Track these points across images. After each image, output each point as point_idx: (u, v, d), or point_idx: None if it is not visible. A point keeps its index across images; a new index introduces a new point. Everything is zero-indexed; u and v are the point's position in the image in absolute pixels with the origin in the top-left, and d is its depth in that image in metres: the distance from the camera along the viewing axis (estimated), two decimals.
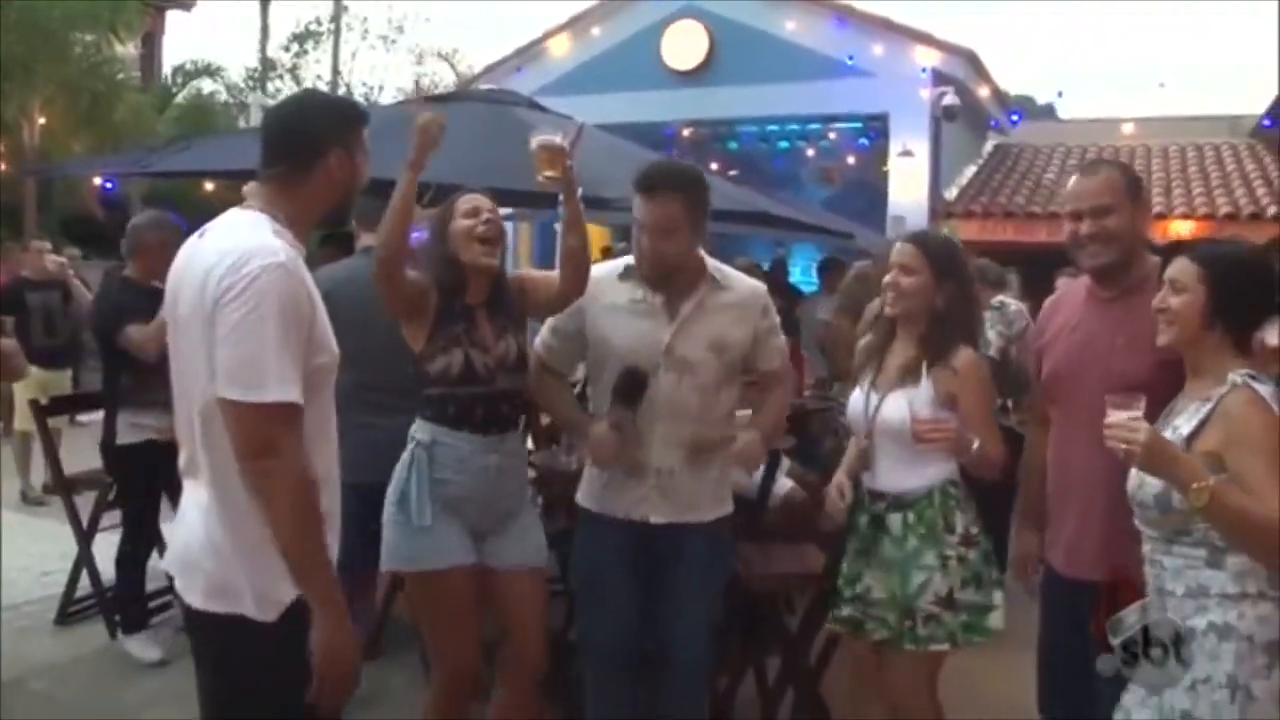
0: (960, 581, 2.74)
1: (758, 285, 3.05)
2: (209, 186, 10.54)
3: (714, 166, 12.62)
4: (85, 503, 4.85)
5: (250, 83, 21.19)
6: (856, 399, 2.94)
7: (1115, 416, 2.01)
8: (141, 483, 4.37)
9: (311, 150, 2.12)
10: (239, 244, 1.98)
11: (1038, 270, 7.16)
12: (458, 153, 4.26)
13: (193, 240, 2.12)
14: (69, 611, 4.77)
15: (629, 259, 2.94)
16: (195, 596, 2.06)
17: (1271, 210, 11.13)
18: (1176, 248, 2.30)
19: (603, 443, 2.76)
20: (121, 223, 15.99)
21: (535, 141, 2.67)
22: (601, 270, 2.96)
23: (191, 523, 2.08)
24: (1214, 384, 2.11)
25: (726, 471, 3.01)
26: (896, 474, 2.82)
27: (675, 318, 2.85)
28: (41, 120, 12.82)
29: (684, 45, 13.37)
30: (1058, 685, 2.73)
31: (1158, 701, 2.12)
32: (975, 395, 2.78)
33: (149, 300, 4.14)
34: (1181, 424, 2.12)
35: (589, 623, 3.06)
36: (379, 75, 36.63)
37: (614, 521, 2.91)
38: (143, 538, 4.49)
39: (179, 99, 16.91)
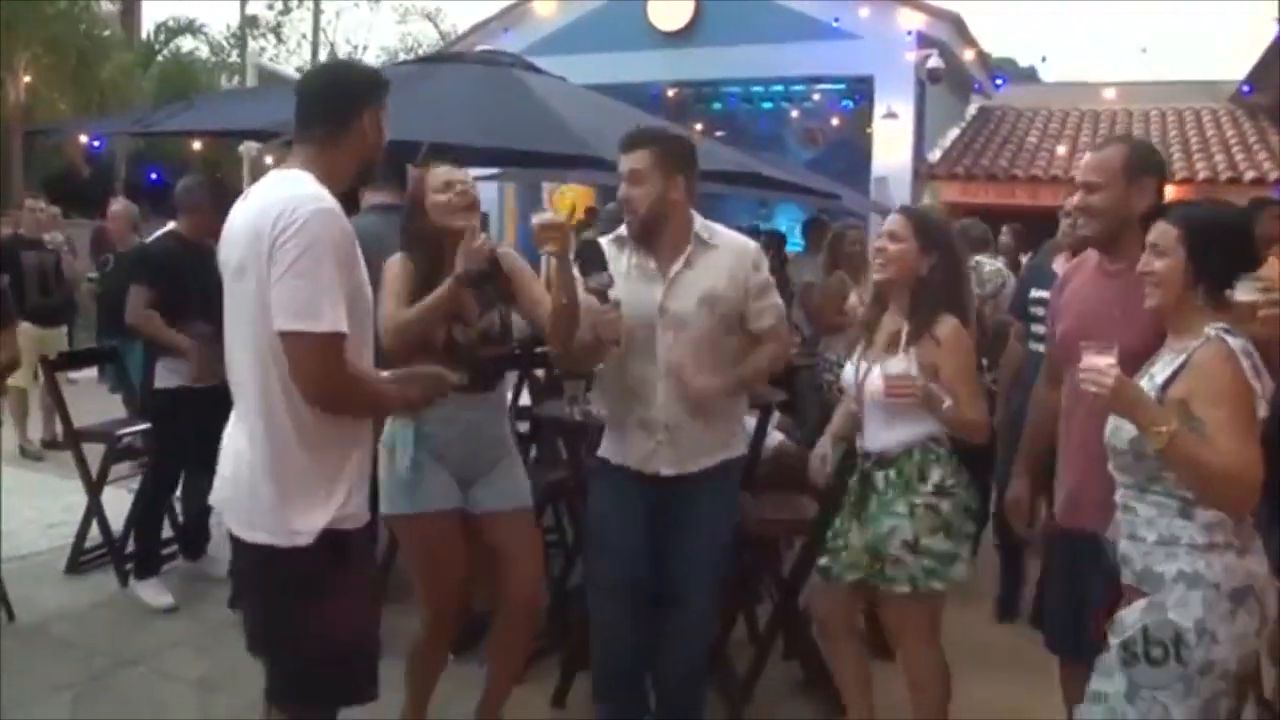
0: (928, 528, 2.88)
1: (748, 241, 3.15)
2: (196, 145, 10.55)
3: (699, 127, 12.71)
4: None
5: (231, 40, 21.03)
6: (849, 368, 3.09)
7: (1088, 360, 2.14)
8: (174, 426, 4.52)
9: (347, 112, 2.27)
10: (288, 194, 2.15)
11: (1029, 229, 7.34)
12: (451, 113, 4.39)
13: (239, 202, 2.28)
14: (80, 561, 4.89)
15: (621, 229, 3.07)
16: (237, 526, 2.26)
17: (1249, 175, 11.33)
18: (1158, 212, 2.41)
19: (605, 318, 2.79)
20: (105, 180, 15.90)
21: (537, 220, 2.78)
22: (605, 249, 3.02)
23: (235, 458, 2.28)
24: (1192, 338, 2.21)
25: (735, 418, 3.16)
26: (882, 435, 2.96)
27: (666, 276, 2.98)
28: (27, 78, 12.74)
29: (670, 6, 13.40)
30: (1059, 618, 2.85)
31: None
32: (955, 363, 2.90)
33: (197, 257, 4.36)
34: (1157, 372, 2.23)
35: (598, 565, 3.21)
36: (362, 35, 36.29)
37: (627, 472, 3.05)
38: (167, 482, 4.66)
39: (160, 57, 16.82)
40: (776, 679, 3.83)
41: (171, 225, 4.73)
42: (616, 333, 2.80)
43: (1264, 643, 2.31)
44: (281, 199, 2.14)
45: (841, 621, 3.18)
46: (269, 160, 6.20)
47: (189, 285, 4.44)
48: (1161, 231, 2.29)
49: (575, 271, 2.83)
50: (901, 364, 2.87)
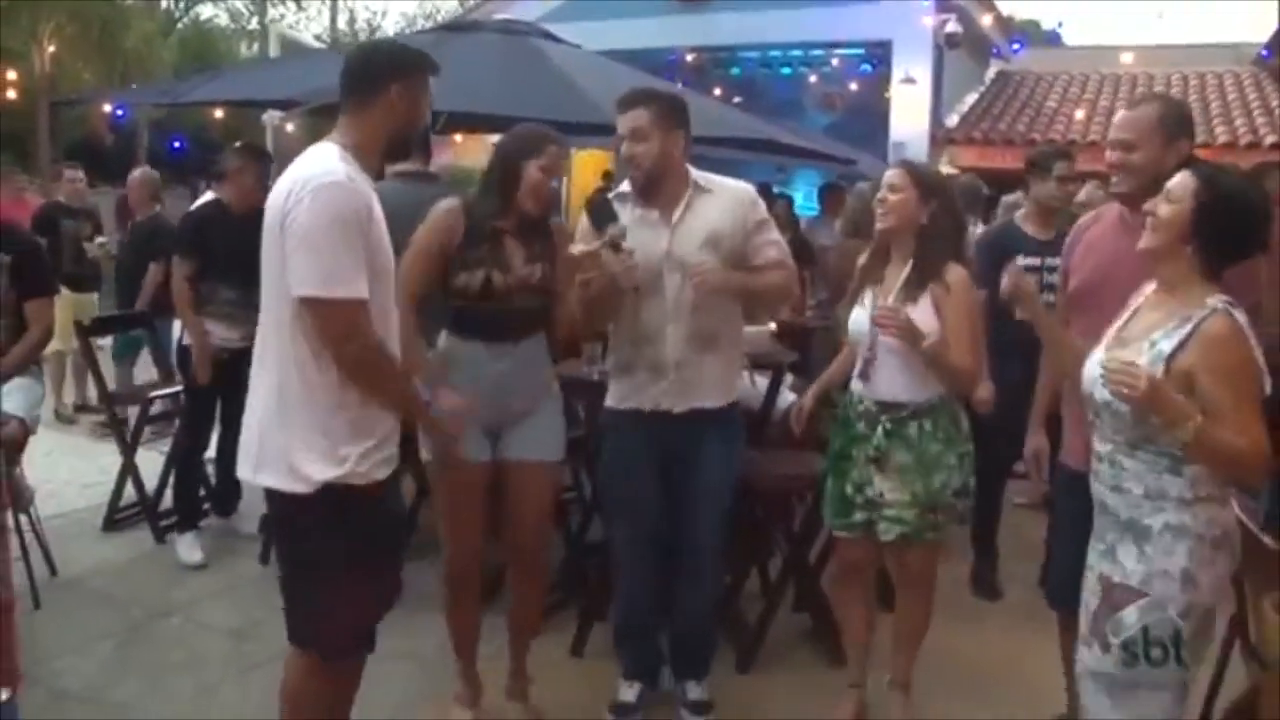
0: (970, 473, 3.10)
1: (744, 185, 3.27)
2: (219, 114, 10.66)
3: (717, 92, 12.72)
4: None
5: (251, 8, 21.11)
6: (858, 316, 3.18)
7: (1112, 358, 2.20)
8: (205, 385, 4.69)
9: (373, 83, 2.42)
10: (303, 172, 2.33)
11: None
12: (472, 81, 4.49)
13: (283, 177, 2.42)
14: (115, 519, 5.08)
15: (624, 185, 3.20)
16: (246, 468, 2.46)
17: (1270, 139, 11.27)
18: (1186, 163, 2.42)
19: (623, 265, 2.93)
20: (128, 148, 16.06)
21: (575, 250, 2.98)
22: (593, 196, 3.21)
23: (251, 407, 2.46)
24: (1187, 303, 2.24)
25: (734, 361, 3.32)
26: (909, 386, 3.06)
27: (670, 224, 3.11)
28: (51, 48, 12.88)
29: None
30: (1064, 576, 2.91)
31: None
32: (958, 310, 3.01)
33: (235, 223, 4.54)
34: (1160, 339, 2.24)
35: (616, 517, 3.37)
36: (381, 2, 36.25)
37: (639, 416, 3.18)
38: (200, 439, 4.85)
39: (179, 25, 16.92)
40: (786, 629, 3.97)
41: (209, 195, 4.89)
42: (635, 279, 2.96)
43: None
44: (298, 175, 2.32)
45: (862, 573, 3.33)
46: (290, 128, 6.29)
47: (222, 252, 4.60)
48: (1180, 180, 2.29)
49: (588, 223, 3.01)
50: (920, 313, 2.98)
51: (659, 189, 3.10)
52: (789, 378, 4.55)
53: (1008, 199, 6.40)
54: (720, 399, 3.22)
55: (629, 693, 3.39)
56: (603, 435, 3.39)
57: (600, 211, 3.00)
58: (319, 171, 2.30)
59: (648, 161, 3.04)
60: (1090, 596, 2.42)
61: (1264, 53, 12.27)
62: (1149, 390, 2.10)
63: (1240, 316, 2.20)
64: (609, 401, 3.31)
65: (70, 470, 5.89)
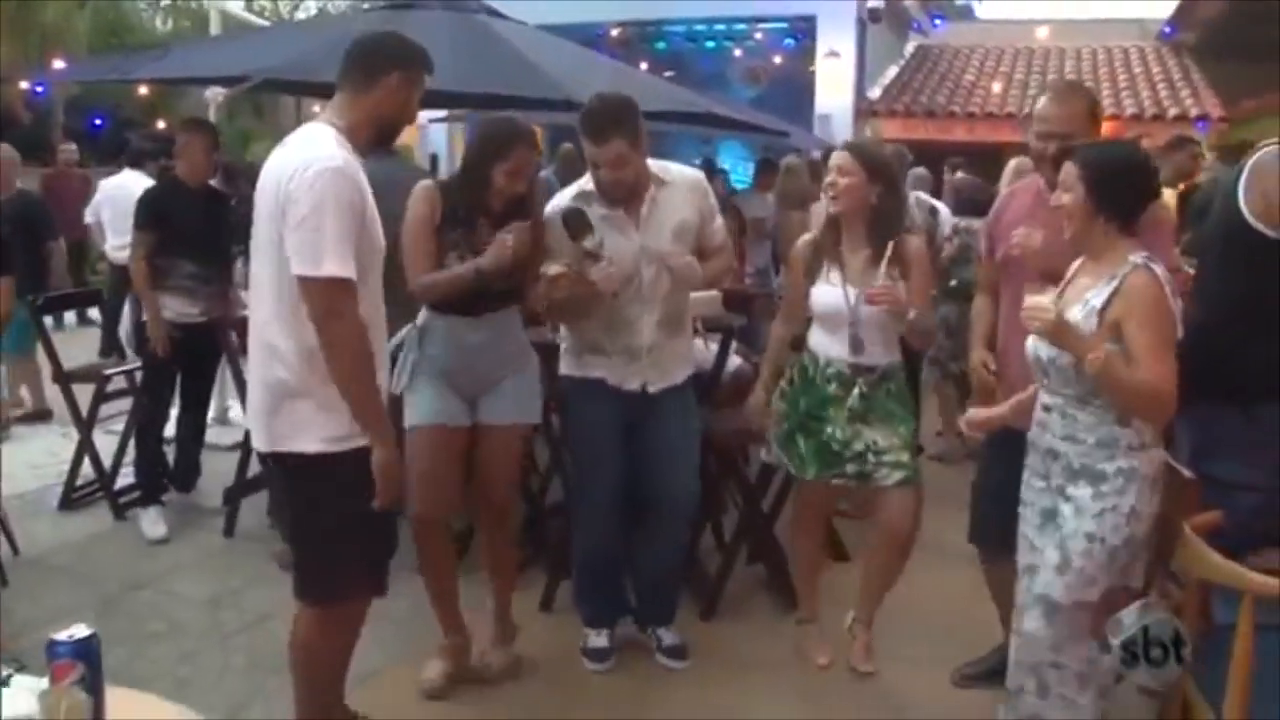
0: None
1: (696, 173, 3.51)
2: (143, 90, 10.51)
3: (644, 66, 12.84)
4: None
5: None
6: (830, 294, 3.36)
7: (1031, 299, 2.46)
8: (163, 359, 4.75)
9: (377, 67, 2.55)
10: (304, 154, 2.45)
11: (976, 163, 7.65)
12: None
13: (276, 151, 2.56)
14: (72, 497, 5.10)
15: (582, 183, 3.33)
16: (254, 434, 2.61)
17: (1173, 111, 11.78)
18: (1066, 154, 2.66)
19: (605, 274, 3.13)
20: (45, 126, 15.62)
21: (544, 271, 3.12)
22: (564, 205, 3.31)
23: (251, 374, 2.60)
24: (1113, 264, 2.50)
25: (690, 338, 3.57)
26: (883, 352, 3.35)
27: (639, 220, 3.28)
28: None
29: None
30: (989, 517, 3.19)
31: (1059, 532, 2.56)
32: (920, 276, 3.32)
33: (191, 198, 4.69)
34: (1092, 297, 2.51)
35: (584, 476, 3.54)
36: None
37: (608, 388, 3.37)
38: (160, 414, 4.90)
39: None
40: (742, 580, 4.20)
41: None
42: (615, 285, 3.16)
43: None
44: (298, 157, 2.44)
45: (821, 519, 3.62)
46: (218, 100, 6.32)
47: (181, 227, 4.66)
48: (1067, 170, 2.56)
49: (563, 232, 3.17)
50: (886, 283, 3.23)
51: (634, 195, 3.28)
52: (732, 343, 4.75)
53: (916, 171, 6.69)
54: (685, 373, 3.48)
55: (600, 638, 3.59)
56: (568, 396, 3.55)
57: (575, 223, 3.16)
58: (322, 155, 2.42)
59: (630, 182, 3.23)
60: (1027, 528, 2.68)
61: (1166, 29, 12.80)
62: (1056, 321, 2.39)
63: (1159, 269, 2.46)
64: (568, 370, 3.47)
65: (15, 453, 5.85)
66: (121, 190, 8.47)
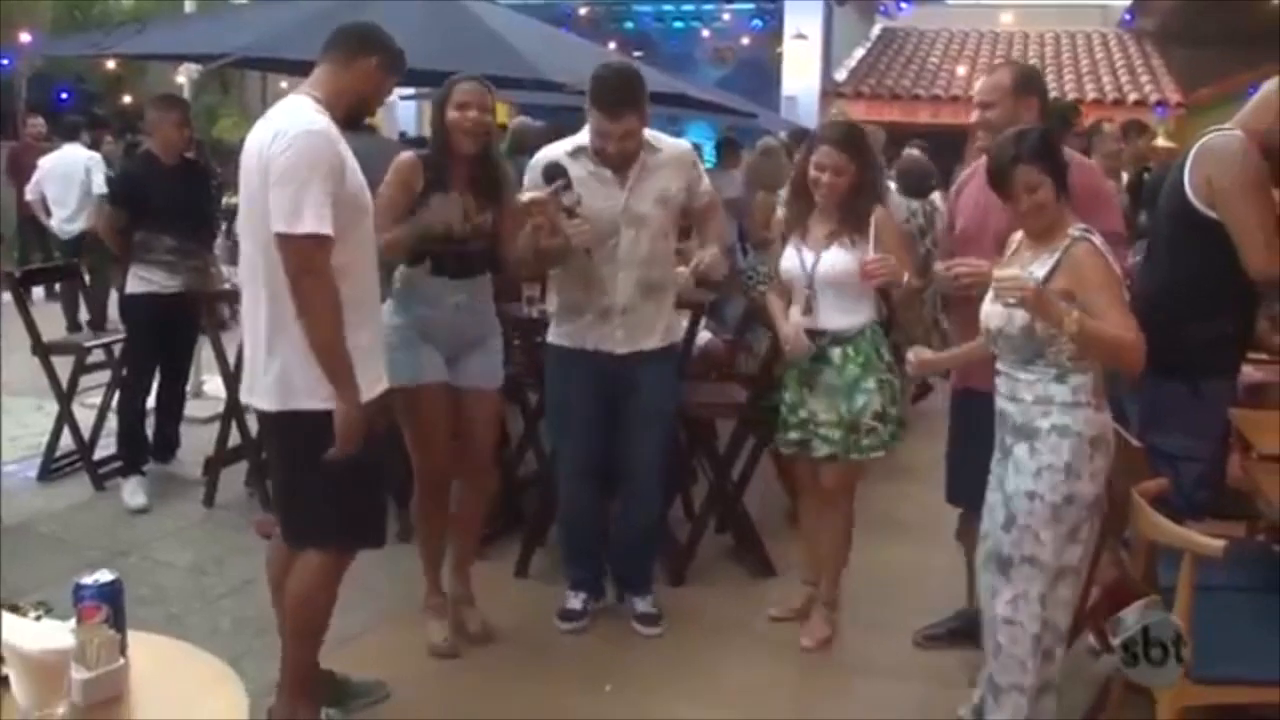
0: (890, 399, 3.46)
1: (684, 143, 3.71)
2: (111, 65, 10.42)
3: (611, 46, 12.92)
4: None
5: None
6: (790, 258, 3.49)
7: (1003, 272, 2.59)
8: (145, 329, 4.85)
9: (359, 47, 2.71)
10: (285, 121, 2.60)
11: (936, 148, 7.80)
12: (404, 38, 4.65)
13: (257, 124, 2.68)
14: (51, 468, 5.16)
15: (578, 140, 3.45)
16: (245, 392, 2.78)
17: (1133, 96, 12.03)
18: (1015, 161, 2.65)
19: (577, 230, 3.25)
20: (7, 99, 15.29)
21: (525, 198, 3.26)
22: (554, 155, 3.44)
23: (251, 351, 2.72)
24: (1053, 237, 2.64)
25: (671, 305, 3.64)
26: (837, 315, 3.42)
27: (625, 183, 3.42)
28: None
29: None
30: (959, 477, 3.34)
31: (1003, 491, 2.72)
32: (896, 239, 3.43)
33: (166, 173, 4.75)
34: (1036, 269, 2.63)
35: (563, 442, 3.67)
36: None
37: (584, 354, 3.49)
38: (142, 384, 4.96)
39: None
40: (711, 548, 4.34)
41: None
42: (587, 241, 3.27)
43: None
44: (280, 123, 2.59)
45: (807, 490, 3.72)
46: (192, 77, 6.35)
47: (157, 203, 4.73)
48: (1025, 174, 2.61)
49: (541, 182, 3.28)
50: (844, 253, 3.35)
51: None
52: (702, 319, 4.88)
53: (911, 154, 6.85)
54: (660, 340, 3.57)
55: (575, 601, 3.73)
56: (545, 367, 3.67)
57: (555, 176, 3.28)
58: (302, 121, 2.57)
59: (635, 150, 3.39)
60: (990, 494, 2.83)
61: (1126, 17, 13.05)
62: (1036, 292, 2.49)
63: (1096, 238, 2.62)
64: (552, 338, 3.60)
65: None
66: (60, 164, 8.53)
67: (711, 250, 3.48)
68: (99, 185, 8.15)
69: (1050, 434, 2.64)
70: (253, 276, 2.68)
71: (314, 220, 2.50)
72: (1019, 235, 2.81)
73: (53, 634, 1.45)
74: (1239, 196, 2.96)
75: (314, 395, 2.62)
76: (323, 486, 2.69)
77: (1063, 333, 2.51)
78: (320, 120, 2.58)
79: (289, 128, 2.55)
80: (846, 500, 3.61)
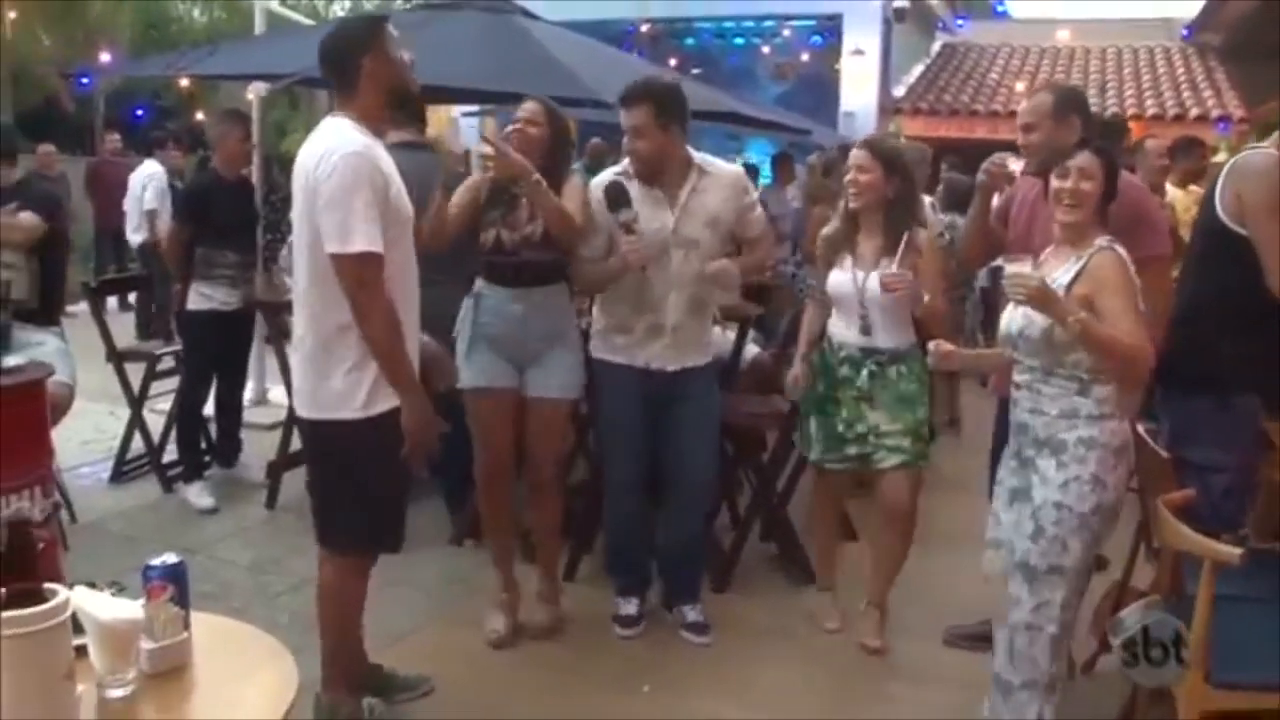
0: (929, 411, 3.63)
1: (738, 169, 3.78)
2: (184, 83, 10.79)
3: (673, 62, 13.07)
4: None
5: None
6: (841, 278, 3.58)
7: (1012, 268, 2.66)
8: (204, 344, 5.05)
9: (347, 64, 2.77)
10: (327, 144, 2.72)
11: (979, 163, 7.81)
12: (461, 58, 4.84)
13: (306, 142, 2.81)
14: (122, 471, 5.40)
15: (625, 164, 3.60)
16: (296, 402, 2.89)
17: (1194, 111, 11.89)
18: (1083, 144, 2.84)
19: (634, 248, 3.38)
20: (87, 116, 15.86)
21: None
22: (608, 176, 3.60)
23: (299, 358, 2.86)
24: (1081, 247, 2.72)
25: (710, 325, 3.78)
26: (893, 334, 3.53)
27: (675, 205, 3.52)
28: (12, 15, 12.86)
29: None
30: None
31: (1029, 501, 2.77)
32: (931, 264, 3.50)
33: (229, 189, 4.96)
34: (1060, 276, 2.72)
35: (611, 455, 3.78)
36: None
37: (632, 370, 3.61)
38: (200, 395, 5.16)
39: None
40: (755, 556, 4.43)
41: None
42: (645, 259, 3.40)
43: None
44: (324, 146, 2.71)
45: (839, 498, 3.83)
46: (260, 94, 6.60)
47: (221, 218, 4.94)
48: (1089, 160, 2.73)
49: (605, 206, 3.45)
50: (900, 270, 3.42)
51: (661, 174, 3.52)
52: (751, 332, 4.99)
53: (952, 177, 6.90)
54: (705, 357, 3.71)
55: (629, 606, 3.83)
56: (594, 381, 3.77)
57: (615, 195, 3.43)
58: (343, 142, 2.69)
59: (646, 154, 3.48)
60: (997, 504, 2.91)
61: (1184, 31, 12.93)
62: (1039, 287, 2.58)
63: (1121, 250, 2.69)
64: (599, 353, 3.71)
65: (65, 430, 6.13)
66: (137, 179, 8.92)
67: (722, 262, 3.53)
68: (150, 200, 8.53)
69: (1077, 446, 2.70)
70: (299, 290, 2.84)
71: (364, 239, 2.63)
72: (1049, 249, 2.88)
73: (125, 607, 1.59)
74: (1266, 214, 3.00)
75: (345, 406, 2.76)
76: (349, 492, 2.84)
77: (1066, 330, 2.58)
78: (359, 140, 2.69)
79: (331, 150, 2.66)
80: (915, 513, 3.64)
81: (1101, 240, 2.71)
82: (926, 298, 3.41)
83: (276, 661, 1.72)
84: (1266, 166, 3.05)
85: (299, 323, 2.84)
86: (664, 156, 3.49)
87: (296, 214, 2.80)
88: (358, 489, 2.83)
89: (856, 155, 3.56)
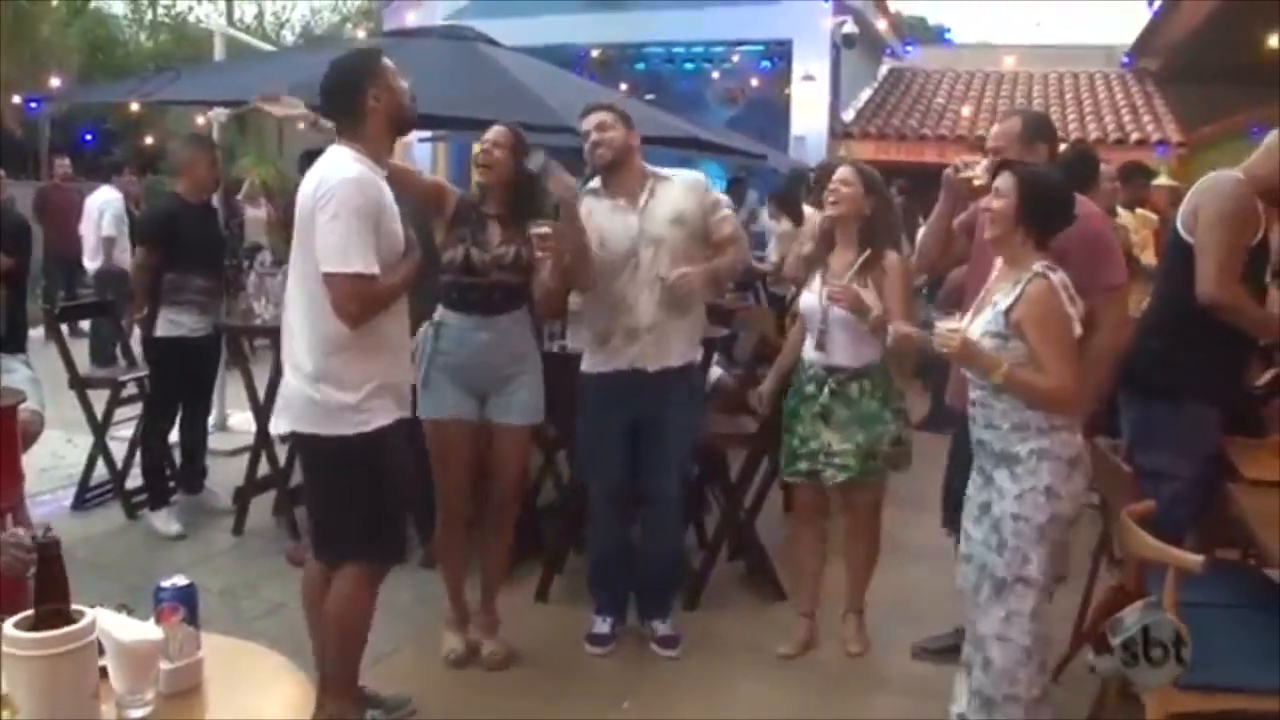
0: (904, 425, 3.68)
1: (695, 173, 3.93)
2: (135, 107, 10.72)
3: (623, 87, 13.15)
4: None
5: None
6: (809, 297, 3.69)
7: (939, 325, 2.80)
8: (172, 371, 5.04)
9: (352, 98, 2.86)
10: (325, 173, 2.82)
11: (927, 187, 7.99)
12: (426, 85, 4.85)
13: (309, 173, 2.89)
14: (85, 498, 5.36)
15: (593, 182, 3.71)
16: (283, 418, 2.99)
17: (1135, 136, 12.24)
18: (1005, 165, 2.96)
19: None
20: (33, 141, 15.61)
21: (534, 233, 3.44)
22: (584, 200, 3.66)
23: (288, 377, 2.93)
24: (1020, 271, 2.81)
25: (697, 324, 3.84)
26: (852, 352, 3.61)
27: (637, 206, 3.64)
28: None
29: None
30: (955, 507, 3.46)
31: (990, 514, 2.87)
32: (896, 288, 3.58)
33: (195, 214, 4.96)
34: (1000, 300, 2.83)
35: (597, 472, 3.82)
36: None
37: (618, 377, 3.67)
38: (166, 421, 5.15)
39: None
40: (723, 574, 4.50)
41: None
42: (563, 249, 3.45)
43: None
44: (322, 175, 2.81)
45: (816, 515, 3.88)
46: (220, 120, 6.59)
47: (188, 243, 4.92)
48: (1003, 179, 2.87)
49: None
50: (863, 291, 3.52)
51: (622, 178, 3.64)
52: (714, 355, 5.07)
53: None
54: (685, 358, 3.76)
55: (603, 625, 3.89)
56: (579, 400, 3.83)
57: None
58: (340, 170, 2.78)
59: (612, 148, 3.59)
60: (966, 520, 3.00)
61: (1125, 59, 13.32)
62: (960, 347, 2.75)
63: (1056, 277, 2.77)
64: (585, 367, 3.78)
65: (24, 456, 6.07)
66: (92, 205, 8.89)
67: (682, 269, 3.58)
68: (107, 227, 8.47)
69: (1030, 458, 2.80)
70: (294, 310, 2.90)
71: (360, 261, 2.72)
72: (999, 265, 2.98)
73: (144, 628, 1.63)
74: (1213, 224, 3.15)
75: (344, 422, 2.82)
76: (346, 505, 2.90)
77: (989, 382, 2.74)
78: (355, 168, 2.78)
79: (329, 178, 2.77)
80: (875, 520, 3.80)
81: (1038, 265, 2.79)
82: (875, 311, 3.48)
83: (288, 676, 1.77)
84: (1227, 186, 3.21)
85: (297, 347, 2.89)
86: (628, 150, 3.63)
87: (295, 242, 2.87)
88: (356, 502, 2.90)
89: (842, 171, 3.70)
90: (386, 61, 2.92)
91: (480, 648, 3.77)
